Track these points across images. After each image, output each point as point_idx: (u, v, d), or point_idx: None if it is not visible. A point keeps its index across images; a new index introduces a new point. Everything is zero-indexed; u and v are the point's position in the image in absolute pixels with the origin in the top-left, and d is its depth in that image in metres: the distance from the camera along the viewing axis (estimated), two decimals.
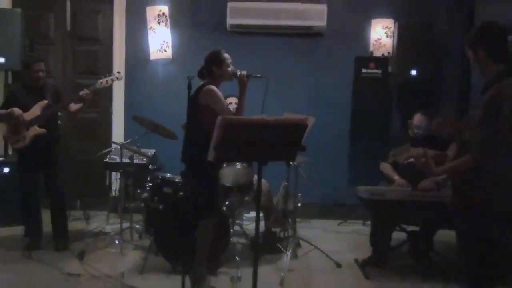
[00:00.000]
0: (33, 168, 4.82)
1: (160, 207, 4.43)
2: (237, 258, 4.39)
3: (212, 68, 3.86)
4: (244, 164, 4.61)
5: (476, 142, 2.88)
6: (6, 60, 5.66)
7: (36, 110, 4.69)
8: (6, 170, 5.60)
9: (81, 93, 4.67)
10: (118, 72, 5.05)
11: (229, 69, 3.87)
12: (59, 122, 5.10)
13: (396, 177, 4.72)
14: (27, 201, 4.88)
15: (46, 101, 4.73)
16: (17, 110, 4.66)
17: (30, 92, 4.78)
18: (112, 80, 4.88)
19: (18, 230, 5.16)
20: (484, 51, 2.93)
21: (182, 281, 3.34)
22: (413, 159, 4.51)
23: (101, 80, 4.81)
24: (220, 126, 2.99)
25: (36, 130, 4.66)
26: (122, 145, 4.85)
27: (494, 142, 2.81)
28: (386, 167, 4.89)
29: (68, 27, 6.40)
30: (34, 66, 4.74)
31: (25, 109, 4.67)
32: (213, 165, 3.72)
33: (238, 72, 3.86)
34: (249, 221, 5.59)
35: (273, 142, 3.14)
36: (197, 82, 3.88)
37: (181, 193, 4.42)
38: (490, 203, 2.91)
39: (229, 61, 3.88)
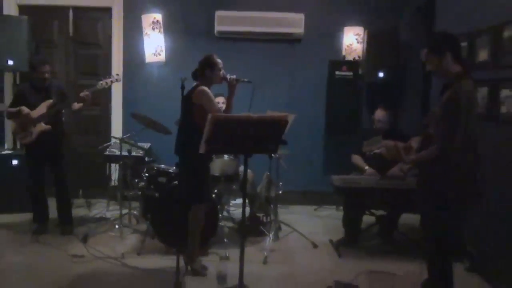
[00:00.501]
0: (40, 161, 4.79)
1: (156, 195, 4.44)
2: (225, 240, 4.44)
3: (205, 70, 3.85)
4: (231, 156, 4.64)
5: (440, 136, 2.96)
6: (14, 62, 5.60)
7: (42, 108, 4.66)
8: (15, 162, 5.55)
9: (82, 94, 4.66)
10: (117, 75, 5.03)
11: (220, 72, 3.88)
12: (63, 119, 5.07)
13: (366, 167, 4.78)
14: (35, 190, 4.84)
15: (51, 100, 4.70)
16: (25, 108, 4.63)
17: (36, 92, 4.73)
18: (112, 82, 4.87)
19: (26, 216, 5.12)
20: (450, 54, 3.02)
21: (177, 261, 3.34)
22: (379, 150, 4.62)
23: (101, 82, 4.80)
24: (210, 122, 3.03)
25: (42, 126, 4.64)
26: (121, 140, 4.83)
27: (454, 135, 2.89)
28: (356, 159, 4.94)
29: (71, 33, 6.32)
30: (41, 68, 4.70)
31: (32, 107, 4.65)
32: (203, 157, 3.74)
33: (228, 76, 3.88)
34: (235, 207, 5.61)
35: (258, 136, 3.18)
36: (189, 83, 3.88)
37: (175, 182, 4.42)
38: (449, 188, 2.99)
39: (220, 65, 3.88)
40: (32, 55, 5.66)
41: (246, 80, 3.96)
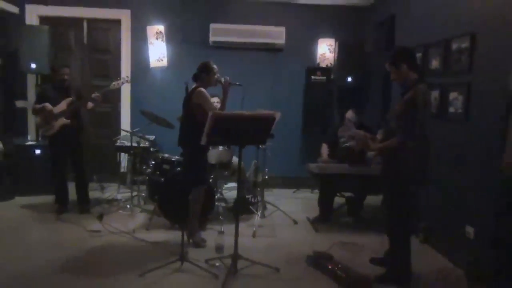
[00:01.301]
0: (62, 150, 4.73)
1: (162, 179, 4.45)
2: (220, 217, 4.47)
3: (202, 74, 3.85)
4: (225, 147, 4.67)
5: (400, 129, 3.04)
6: (36, 66, 5.52)
7: (63, 105, 4.62)
8: (38, 152, 5.49)
9: (93, 95, 4.63)
10: (127, 76, 4.99)
11: (216, 76, 3.88)
12: (81, 114, 5.01)
13: (325, 157, 4.89)
14: (57, 175, 4.79)
15: (71, 98, 4.66)
16: (48, 105, 4.58)
17: (58, 91, 4.68)
18: (122, 83, 4.84)
19: (48, 198, 5.08)
20: (405, 65, 3.10)
21: (182, 235, 3.37)
22: (350, 144, 4.70)
23: (113, 83, 4.76)
24: (211, 118, 3.06)
25: (63, 121, 4.60)
26: (131, 133, 4.82)
27: (412, 129, 2.98)
28: (323, 147, 5.03)
29: (85, 41, 6.25)
30: (62, 70, 4.66)
31: (54, 104, 4.60)
32: (203, 148, 3.77)
33: (223, 79, 3.88)
34: (227, 190, 5.64)
35: (250, 130, 3.22)
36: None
37: (178, 169, 4.43)
38: (406, 172, 3.08)
39: (215, 70, 3.88)
40: (52, 60, 5.59)
41: (237, 83, 3.97)
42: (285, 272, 3.39)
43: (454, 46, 3.88)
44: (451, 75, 3.95)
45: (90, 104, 4.73)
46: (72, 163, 4.82)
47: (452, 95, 3.89)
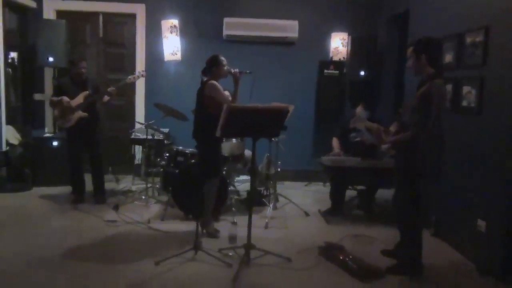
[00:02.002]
0: (78, 142, 4.83)
1: (176, 171, 4.52)
2: (233, 208, 4.53)
3: (212, 68, 3.86)
4: (238, 140, 4.71)
5: (414, 123, 3.06)
6: (54, 60, 5.62)
7: (80, 99, 4.70)
8: (55, 143, 5.62)
9: (109, 89, 4.71)
10: (143, 71, 5.05)
11: (225, 68, 3.88)
12: (97, 107, 5.10)
13: (336, 150, 4.87)
14: (73, 167, 4.90)
15: (87, 92, 4.75)
16: (65, 98, 4.67)
17: (75, 84, 4.77)
18: (138, 77, 4.91)
19: (65, 189, 5.19)
20: (425, 56, 3.09)
21: (196, 225, 3.44)
22: (361, 138, 4.71)
23: (129, 77, 4.83)
24: (225, 111, 3.11)
25: (80, 113, 4.68)
26: (147, 125, 4.89)
27: (426, 123, 2.99)
28: (334, 142, 5.00)
29: (101, 35, 6.34)
30: (79, 63, 4.76)
31: (71, 97, 4.68)
32: (217, 140, 3.82)
33: (232, 70, 3.89)
34: (239, 183, 5.70)
35: (264, 123, 3.27)
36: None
37: (192, 161, 4.50)
38: (419, 166, 3.09)
39: (224, 62, 3.89)
40: (69, 54, 5.69)
41: (247, 71, 3.96)
42: (297, 262, 3.44)
43: (468, 39, 3.87)
44: (464, 68, 3.94)
45: (106, 98, 4.81)
46: (89, 155, 4.92)
47: (465, 89, 3.88)
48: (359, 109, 4.88)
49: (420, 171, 3.12)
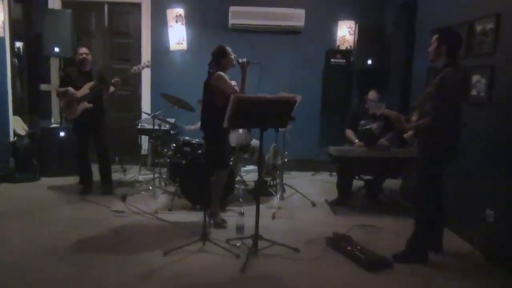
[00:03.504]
0: (85, 133, 4.83)
1: (183, 162, 4.52)
2: (240, 199, 4.54)
3: (220, 60, 3.82)
4: (245, 130, 4.69)
5: (434, 109, 3.08)
6: (59, 50, 5.63)
7: (85, 89, 4.68)
8: (62, 134, 5.65)
9: (114, 80, 4.67)
10: (148, 61, 5.01)
11: (232, 57, 3.85)
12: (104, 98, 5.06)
13: (356, 141, 4.80)
14: (81, 157, 4.91)
15: (93, 82, 4.72)
16: (71, 89, 4.65)
17: (81, 75, 4.75)
18: (143, 68, 4.88)
19: (72, 179, 5.24)
20: (446, 48, 3.14)
21: (203, 215, 3.45)
22: (370, 126, 4.69)
23: (134, 68, 4.81)
24: (233, 101, 3.09)
25: (85, 105, 4.66)
26: (153, 116, 4.88)
27: (443, 109, 3.05)
28: (349, 133, 4.93)
29: (106, 24, 6.32)
30: (79, 50, 4.75)
31: (77, 88, 4.66)
32: (224, 131, 3.81)
33: (240, 60, 3.87)
34: (245, 173, 5.68)
35: (271, 113, 3.25)
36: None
37: (199, 151, 4.50)
38: (440, 151, 3.17)
39: (231, 52, 3.86)
40: (75, 44, 5.68)
41: (255, 62, 3.93)
42: (304, 252, 3.44)
43: (478, 27, 3.82)
44: (474, 57, 3.90)
45: (111, 89, 4.79)
46: (96, 146, 4.91)
47: (475, 78, 3.84)
48: (372, 95, 4.82)
49: (439, 156, 3.18)
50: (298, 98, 3.29)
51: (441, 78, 3.09)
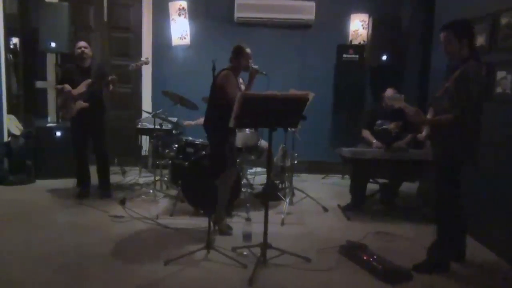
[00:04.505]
0: (83, 132, 4.73)
1: (186, 163, 4.41)
2: (247, 204, 4.41)
3: (235, 58, 3.76)
4: (252, 130, 4.59)
5: (455, 106, 2.98)
6: (56, 45, 5.56)
7: (82, 87, 4.58)
8: (58, 133, 5.56)
9: (110, 77, 4.56)
10: (146, 58, 4.91)
11: (249, 61, 3.77)
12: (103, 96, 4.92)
13: (374, 141, 4.66)
14: (78, 159, 4.81)
15: (90, 80, 4.60)
16: (67, 86, 4.57)
17: (80, 72, 4.65)
18: (141, 65, 4.78)
19: (69, 182, 5.15)
20: (467, 40, 3.06)
21: (208, 222, 3.34)
22: (387, 126, 4.58)
23: (132, 65, 4.72)
24: (240, 99, 2.99)
25: (81, 104, 4.56)
26: (154, 114, 4.79)
27: (467, 104, 2.95)
28: (366, 133, 4.80)
29: (105, 18, 6.25)
30: (77, 44, 4.65)
31: (75, 85, 4.57)
32: (230, 130, 3.71)
33: (252, 66, 3.80)
34: (252, 175, 5.60)
35: (281, 112, 3.14)
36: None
37: (203, 152, 4.39)
38: (459, 151, 3.05)
39: (247, 55, 3.76)
40: (72, 39, 5.60)
41: (263, 72, 3.87)
42: (317, 262, 3.33)
43: (504, 20, 3.70)
44: (498, 52, 3.78)
45: (110, 86, 4.69)
46: (94, 146, 4.82)
47: (500, 74, 3.73)
48: (390, 92, 4.68)
49: (461, 156, 3.06)
50: (311, 95, 3.18)
51: (464, 71, 2.98)
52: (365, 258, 3.28)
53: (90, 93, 4.59)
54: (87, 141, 4.80)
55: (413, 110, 3.18)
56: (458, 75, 3.01)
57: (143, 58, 4.93)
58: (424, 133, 3.52)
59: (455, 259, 3.33)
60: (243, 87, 4.06)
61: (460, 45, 3.06)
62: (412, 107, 3.23)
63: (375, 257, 3.28)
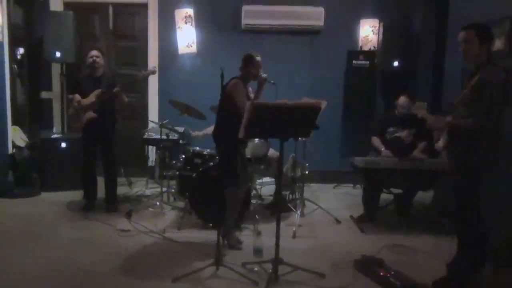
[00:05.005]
0: (93, 144, 4.62)
1: (193, 175, 4.28)
2: (256, 216, 4.29)
3: (244, 66, 3.70)
4: (261, 140, 4.48)
5: (474, 111, 2.86)
6: (61, 54, 5.50)
7: (92, 97, 4.48)
8: (64, 145, 5.48)
9: (115, 89, 4.43)
10: (154, 67, 4.82)
11: (259, 70, 3.70)
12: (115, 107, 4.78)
13: (383, 149, 4.52)
14: (86, 170, 4.68)
15: (100, 90, 4.49)
16: (77, 96, 4.48)
17: (91, 81, 4.55)
18: (148, 74, 4.65)
19: (74, 194, 5.06)
20: (488, 45, 2.97)
21: (217, 236, 3.22)
22: (400, 134, 4.45)
23: (139, 74, 4.59)
24: (250, 109, 2.88)
25: (90, 114, 4.46)
26: (161, 124, 4.69)
27: (489, 109, 2.82)
28: (375, 141, 4.64)
29: (111, 27, 6.19)
30: (90, 52, 4.55)
31: (86, 95, 4.48)
32: (240, 140, 3.59)
33: (262, 75, 3.72)
34: (260, 185, 5.45)
35: (293, 122, 3.03)
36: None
37: (210, 163, 4.28)
38: (480, 158, 2.92)
39: (256, 64, 3.69)
40: (77, 48, 5.55)
41: (271, 81, 3.77)
42: (331, 278, 3.19)
43: None
44: None
45: (123, 97, 4.57)
46: (102, 157, 4.71)
47: None
48: (403, 100, 4.56)
49: (480, 168, 2.92)
50: (323, 104, 3.07)
51: (483, 77, 2.86)
52: (381, 274, 3.14)
53: (100, 104, 4.47)
54: (96, 152, 4.68)
55: (432, 118, 3.06)
56: (476, 81, 2.89)
57: (150, 68, 4.83)
58: (440, 142, 3.38)
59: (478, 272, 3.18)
60: (252, 96, 3.96)
61: (480, 48, 2.94)
62: (432, 117, 3.12)
63: (392, 272, 3.14)
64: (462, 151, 3.00)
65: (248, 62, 3.68)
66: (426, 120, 3.09)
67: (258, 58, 3.70)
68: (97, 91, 4.47)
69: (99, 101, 4.46)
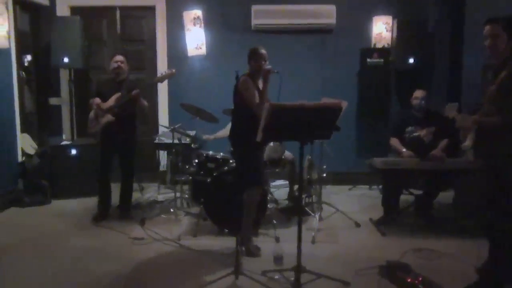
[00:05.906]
0: (111, 150, 4.51)
1: (208, 180, 4.17)
2: (274, 221, 4.16)
3: (250, 62, 3.60)
4: (277, 142, 4.36)
5: (504, 109, 2.72)
6: (69, 60, 5.43)
7: (111, 101, 4.38)
8: (74, 152, 5.40)
9: (134, 92, 4.31)
10: (171, 70, 4.70)
11: (262, 61, 3.55)
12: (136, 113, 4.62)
13: (404, 150, 4.40)
14: (100, 176, 4.57)
15: (120, 93, 4.37)
16: (96, 100, 4.38)
17: (113, 86, 4.45)
18: (168, 76, 4.46)
19: (86, 201, 5.00)
20: None
21: (236, 242, 3.11)
22: (419, 133, 4.31)
23: (159, 76, 4.45)
24: (267, 111, 2.77)
25: (108, 117, 4.34)
26: (173, 129, 4.58)
27: None
28: (394, 142, 4.51)
29: (118, 31, 6.11)
30: (114, 58, 4.45)
31: (107, 99, 4.38)
32: (257, 143, 3.48)
33: (265, 67, 3.57)
34: (275, 188, 5.33)
35: (313, 123, 2.91)
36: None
37: (226, 168, 4.16)
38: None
39: (261, 56, 3.56)
40: (85, 53, 5.47)
41: (275, 71, 3.58)
42: (356, 286, 3.06)
43: None
44: None
45: (142, 101, 4.43)
46: (120, 164, 4.60)
47: None
48: (419, 93, 4.45)
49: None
50: (344, 104, 2.94)
51: (507, 75, 2.71)
52: (409, 280, 3.01)
53: (120, 108, 4.34)
54: (112, 158, 4.56)
55: (460, 117, 2.93)
56: (506, 76, 2.74)
57: (167, 70, 4.63)
58: (467, 142, 3.24)
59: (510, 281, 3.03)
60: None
61: (508, 42, 2.81)
62: (459, 117, 2.99)
63: (420, 279, 3.01)
64: (491, 154, 2.86)
65: (250, 56, 3.59)
66: (456, 120, 2.96)
67: (262, 51, 3.58)
68: (117, 95, 4.37)
69: (118, 104, 4.34)
